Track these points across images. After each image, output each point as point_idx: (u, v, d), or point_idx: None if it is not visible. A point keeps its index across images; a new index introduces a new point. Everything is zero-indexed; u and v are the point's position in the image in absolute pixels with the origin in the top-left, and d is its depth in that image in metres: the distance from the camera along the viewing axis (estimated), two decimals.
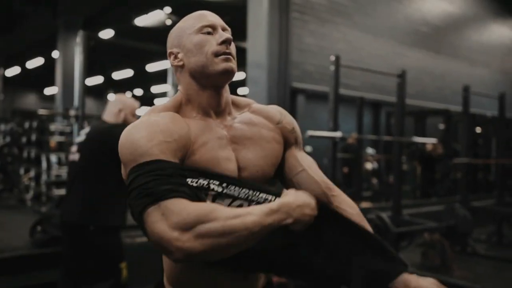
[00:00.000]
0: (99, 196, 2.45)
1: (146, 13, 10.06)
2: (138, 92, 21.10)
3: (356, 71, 6.49)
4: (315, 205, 0.98)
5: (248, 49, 6.09)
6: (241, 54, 7.46)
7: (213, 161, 1.01)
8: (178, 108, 1.08)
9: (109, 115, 2.63)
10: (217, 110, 1.10)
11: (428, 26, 8.76)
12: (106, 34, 10.98)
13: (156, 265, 3.29)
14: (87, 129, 2.64)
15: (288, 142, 1.16)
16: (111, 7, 9.91)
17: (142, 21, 10.47)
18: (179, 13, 9.94)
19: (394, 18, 8.03)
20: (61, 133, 7.02)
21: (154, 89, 19.72)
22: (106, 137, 2.45)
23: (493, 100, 6.95)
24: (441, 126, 8.57)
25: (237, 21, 7.65)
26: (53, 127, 7.01)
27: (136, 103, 2.70)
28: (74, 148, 2.61)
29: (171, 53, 1.12)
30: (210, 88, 1.08)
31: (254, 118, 1.14)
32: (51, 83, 12.83)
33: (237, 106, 1.17)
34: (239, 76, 15.63)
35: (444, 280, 4.20)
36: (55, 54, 11.14)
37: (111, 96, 12.24)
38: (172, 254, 0.83)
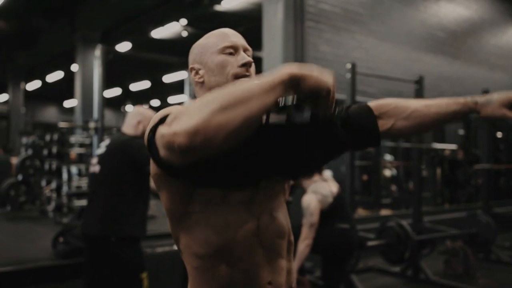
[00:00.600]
0: (119, 208, 2.47)
1: (163, 25, 10.18)
2: (155, 103, 21.32)
3: (372, 78, 6.46)
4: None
5: (264, 58, 6.11)
6: (257, 63, 7.48)
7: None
8: None
9: (129, 127, 2.66)
10: None
11: (445, 31, 8.68)
12: (124, 46, 11.15)
13: (176, 275, 3.31)
14: (107, 141, 2.67)
15: None
16: (127, 20, 10.07)
17: (159, 33, 10.60)
18: (195, 25, 10.04)
19: (410, 24, 7.98)
20: (81, 145, 7.13)
21: (171, 99, 19.91)
22: (126, 148, 2.48)
23: None
24: (461, 132, 8.46)
25: (252, 31, 7.70)
26: (73, 139, 7.14)
27: (153, 114, 2.74)
28: (94, 160, 2.64)
29: (192, 68, 1.14)
30: None
31: None
32: (71, 96, 13.05)
33: None
34: None
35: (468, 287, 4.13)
36: (74, 67, 11.35)
37: (129, 108, 12.32)
38: (181, 146, 0.79)
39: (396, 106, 1.13)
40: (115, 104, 19.64)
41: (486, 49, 9.65)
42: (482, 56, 9.51)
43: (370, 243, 4.01)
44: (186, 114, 0.80)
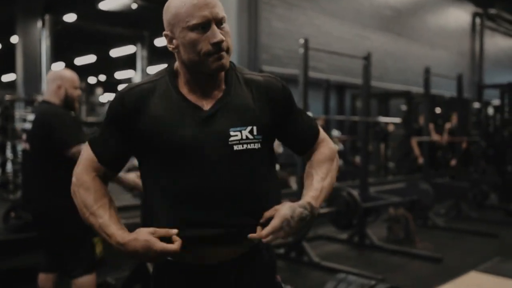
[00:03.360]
0: (51, 185, 2.39)
1: None
2: (102, 78, 20.65)
3: (323, 54, 6.64)
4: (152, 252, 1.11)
5: None
6: None
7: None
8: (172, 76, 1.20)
9: (50, 94, 2.51)
10: (205, 89, 1.18)
11: (391, 10, 8.99)
12: (68, 18, 10.68)
13: None
14: (32, 117, 2.51)
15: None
16: None
17: (107, 4, 10.22)
18: None
19: (359, 2, 8.21)
20: (25, 120, 6.86)
21: (118, 74, 19.35)
22: (47, 123, 2.38)
23: (448, 81, 7.27)
24: (403, 107, 8.88)
25: None
26: (17, 113, 6.85)
27: (75, 75, 2.57)
28: (24, 136, 2.52)
29: (166, 35, 1.16)
30: (201, 75, 1.16)
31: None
32: (9, 69, 12.39)
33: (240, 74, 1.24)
34: None
35: (408, 251, 4.47)
36: (14, 39, 10.76)
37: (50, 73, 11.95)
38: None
39: (310, 166, 1.30)
40: None
41: (427, 28, 10.10)
42: (424, 35, 9.94)
43: (321, 211, 4.23)
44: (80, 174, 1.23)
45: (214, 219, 1.15)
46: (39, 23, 9.05)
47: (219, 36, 1.10)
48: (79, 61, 16.87)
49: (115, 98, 1.18)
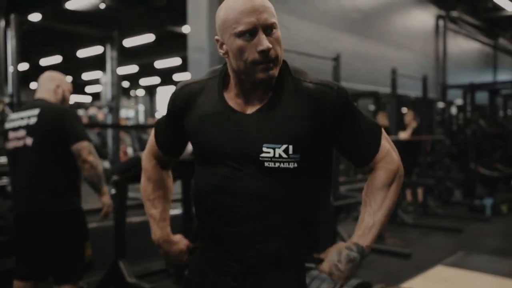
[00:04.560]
0: (57, 181, 2.38)
1: None
2: (69, 79, 20.20)
3: (293, 55, 6.71)
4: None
5: (189, 34, 6.10)
6: (182, 38, 7.41)
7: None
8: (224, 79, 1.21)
9: (47, 93, 2.50)
10: (250, 95, 1.16)
11: (358, 12, 9.17)
12: (33, 18, 10.41)
13: (109, 250, 3.29)
14: (35, 111, 2.42)
15: None
16: None
17: (74, 4, 10.00)
18: None
19: (327, 5, 8.34)
20: None
21: (86, 76, 18.98)
22: (59, 118, 2.38)
23: (414, 82, 7.48)
24: (371, 107, 9.06)
25: (176, 5, 7.57)
26: None
27: (69, 82, 2.68)
28: (21, 133, 2.43)
29: (217, 40, 1.15)
30: (249, 83, 1.14)
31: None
32: None
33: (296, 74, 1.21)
34: (174, 62, 15.42)
35: (378, 247, 4.59)
36: None
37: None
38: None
39: (365, 192, 1.23)
40: (22, 80, 18.32)
41: (393, 30, 10.35)
42: (390, 37, 10.18)
43: None
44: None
45: (227, 231, 1.17)
46: (2, 23, 8.79)
47: (265, 44, 1.06)
48: (45, 61, 16.45)
49: (170, 96, 1.28)
